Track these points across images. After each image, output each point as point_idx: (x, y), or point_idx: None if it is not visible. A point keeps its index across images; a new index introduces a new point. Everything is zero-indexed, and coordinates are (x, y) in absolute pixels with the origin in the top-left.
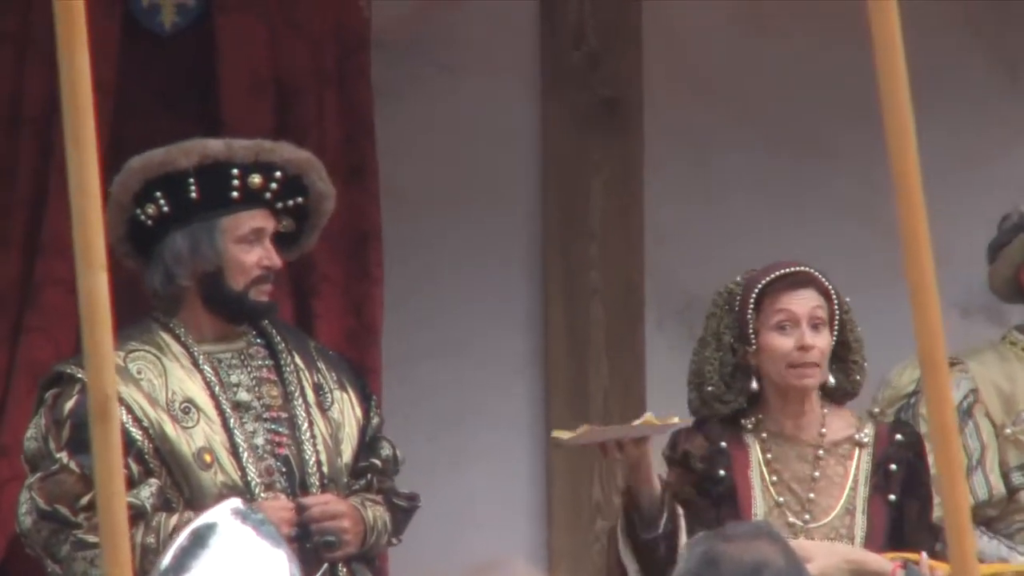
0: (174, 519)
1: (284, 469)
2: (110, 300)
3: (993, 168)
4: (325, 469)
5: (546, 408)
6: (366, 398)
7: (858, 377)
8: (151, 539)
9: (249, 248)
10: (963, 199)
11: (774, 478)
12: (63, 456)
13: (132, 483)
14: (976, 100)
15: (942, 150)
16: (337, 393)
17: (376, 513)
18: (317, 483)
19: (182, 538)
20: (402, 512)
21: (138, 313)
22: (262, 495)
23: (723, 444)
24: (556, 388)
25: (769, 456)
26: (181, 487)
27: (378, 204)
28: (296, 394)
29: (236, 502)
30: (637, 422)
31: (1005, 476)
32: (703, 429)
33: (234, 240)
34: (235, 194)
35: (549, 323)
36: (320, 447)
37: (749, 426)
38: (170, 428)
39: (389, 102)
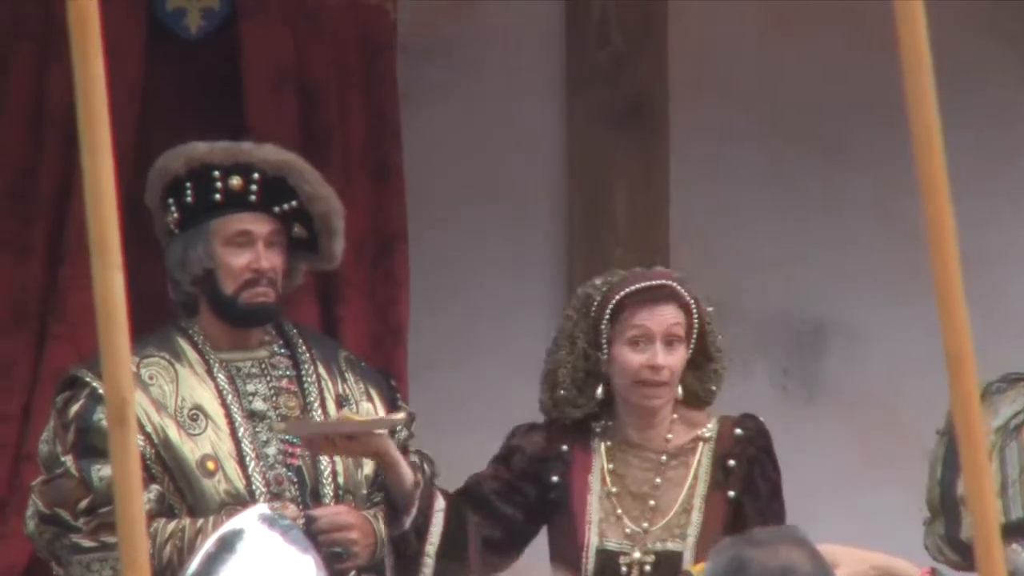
0: (171, 525)
1: (296, 479)
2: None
3: (1017, 169)
4: (340, 480)
5: None
6: (396, 411)
7: (713, 387)
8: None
9: (237, 251)
10: (987, 199)
11: (615, 488)
12: (68, 460)
13: None
14: (998, 99)
15: (965, 151)
16: (364, 405)
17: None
18: (331, 494)
19: (209, 544)
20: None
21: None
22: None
23: (564, 447)
24: None
25: (612, 465)
26: (184, 493)
27: (403, 206)
28: (315, 404)
29: (263, 508)
30: (333, 418)
31: None
32: (549, 429)
33: (222, 243)
34: (218, 196)
35: None
36: (336, 458)
37: (598, 430)
38: (175, 434)
39: (414, 104)
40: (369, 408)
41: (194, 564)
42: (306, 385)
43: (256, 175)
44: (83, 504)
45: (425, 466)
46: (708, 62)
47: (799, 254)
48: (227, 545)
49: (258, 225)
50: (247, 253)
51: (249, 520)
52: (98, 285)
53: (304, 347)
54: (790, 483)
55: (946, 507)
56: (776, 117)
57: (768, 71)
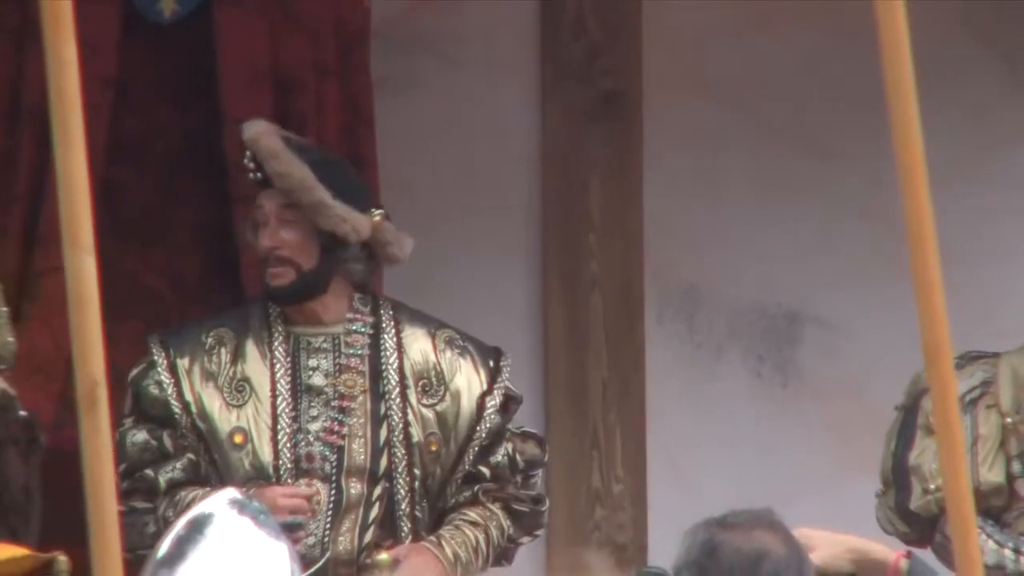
0: (191, 495)
1: (333, 458)
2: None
3: (995, 166)
4: (417, 471)
5: (545, 400)
6: (490, 394)
7: None
8: (171, 512)
9: (261, 231)
10: (966, 195)
11: None
12: (126, 423)
13: (166, 456)
14: (978, 97)
15: (945, 148)
16: (457, 381)
17: (460, 544)
18: (406, 488)
19: (179, 526)
20: (527, 516)
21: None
22: (288, 480)
23: None
24: (556, 381)
25: None
26: (218, 464)
27: (378, 197)
28: (395, 392)
29: (232, 492)
30: None
31: (1008, 462)
32: None
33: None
34: (250, 175)
35: (548, 316)
36: (414, 451)
37: None
38: (215, 405)
39: (389, 95)
40: (459, 388)
41: (164, 546)
42: (383, 371)
43: (248, 153)
44: (121, 468)
45: (518, 456)
46: (683, 56)
47: (774, 243)
48: (197, 527)
49: (268, 201)
50: (263, 232)
51: (219, 504)
52: (70, 271)
53: (394, 330)
54: (765, 468)
55: (897, 477)
56: (751, 110)
57: (743, 65)
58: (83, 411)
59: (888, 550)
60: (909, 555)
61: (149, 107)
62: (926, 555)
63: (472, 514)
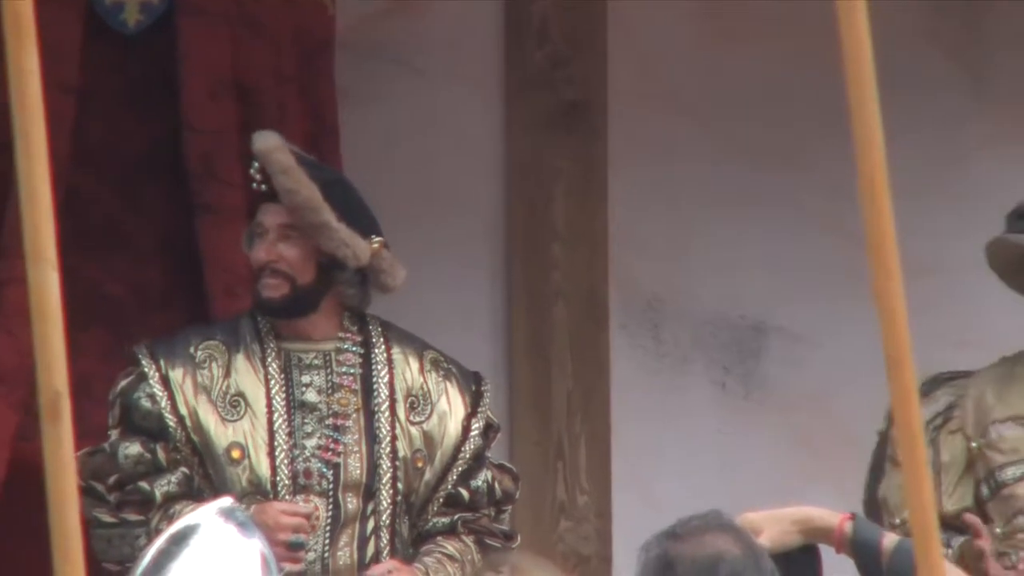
0: (187, 508)
1: (330, 474)
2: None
3: (960, 179)
4: (400, 486)
5: (510, 411)
6: (474, 416)
7: None
8: (163, 525)
9: (256, 243)
10: (932, 210)
11: None
12: (112, 434)
13: (159, 470)
14: (941, 108)
15: (908, 159)
16: (440, 405)
17: None
18: (389, 500)
19: (161, 541)
20: (495, 552)
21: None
22: (286, 496)
23: None
24: (520, 391)
25: None
26: (212, 479)
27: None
28: (384, 406)
29: (226, 501)
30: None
31: (977, 486)
32: None
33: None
34: (254, 186)
35: (512, 326)
36: (398, 465)
37: None
38: (209, 419)
39: (352, 104)
40: (445, 409)
41: (144, 561)
42: (374, 386)
43: (256, 164)
44: (112, 480)
45: (498, 485)
46: (648, 65)
47: (739, 255)
48: (179, 540)
49: (269, 216)
50: (261, 244)
51: (207, 514)
52: (33, 283)
53: (384, 346)
54: (729, 479)
55: (869, 510)
56: (715, 122)
57: (708, 76)
58: (46, 423)
59: (832, 514)
60: (853, 517)
61: (112, 115)
62: None
63: (450, 547)
